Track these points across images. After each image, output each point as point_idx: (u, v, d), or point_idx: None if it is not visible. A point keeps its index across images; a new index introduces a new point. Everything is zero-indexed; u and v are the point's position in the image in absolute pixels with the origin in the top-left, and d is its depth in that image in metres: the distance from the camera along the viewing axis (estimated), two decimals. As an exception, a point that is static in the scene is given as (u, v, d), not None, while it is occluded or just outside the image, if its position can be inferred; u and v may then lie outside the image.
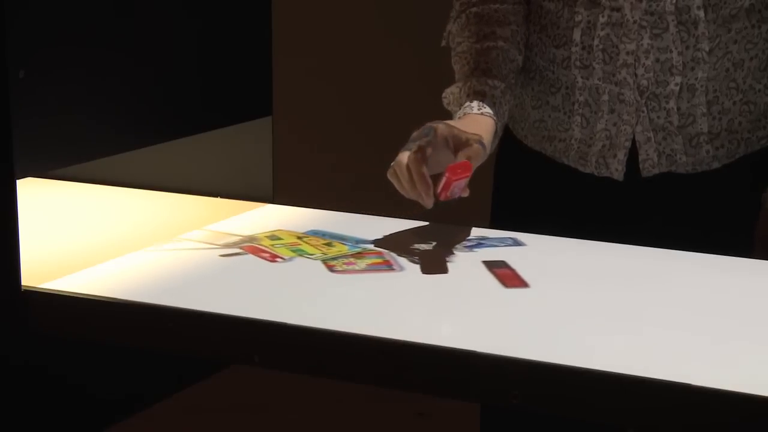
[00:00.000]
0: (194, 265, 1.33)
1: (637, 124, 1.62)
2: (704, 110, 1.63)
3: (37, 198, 1.57)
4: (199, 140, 1.51)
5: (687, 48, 1.60)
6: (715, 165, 1.66)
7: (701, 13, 1.58)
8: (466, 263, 1.36)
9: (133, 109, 1.37)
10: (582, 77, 1.64)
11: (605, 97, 1.63)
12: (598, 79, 1.62)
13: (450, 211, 1.62)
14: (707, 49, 1.60)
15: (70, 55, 1.27)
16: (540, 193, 1.75)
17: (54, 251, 1.36)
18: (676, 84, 1.61)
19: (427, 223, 1.51)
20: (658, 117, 1.62)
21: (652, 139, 1.63)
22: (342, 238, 1.42)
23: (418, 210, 1.42)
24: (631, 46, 1.60)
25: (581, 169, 1.69)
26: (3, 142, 1.19)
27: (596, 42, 1.62)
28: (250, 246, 1.38)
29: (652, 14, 1.59)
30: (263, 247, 1.38)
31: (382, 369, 1.11)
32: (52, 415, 1.28)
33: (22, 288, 1.22)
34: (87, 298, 1.22)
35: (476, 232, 1.47)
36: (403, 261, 1.35)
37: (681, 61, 1.60)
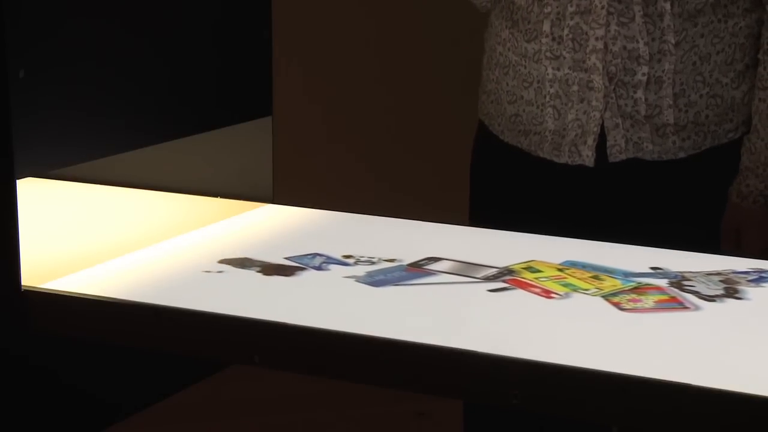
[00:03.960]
0: (462, 301, 1.21)
1: (605, 110, 1.66)
2: (671, 102, 1.66)
3: (37, 198, 1.57)
4: (199, 140, 1.51)
5: (653, 39, 1.63)
6: (681, 155, 1.70)
7: (667, 6, 1.62)
8: (763, 301, 1.20)
9: (133, 109, 1.37)
10: (552, 68, 1.67)
11: (575, 88, 1.66)
12: (569, 68, 1.65)
13: (429, 208, 1.62)
14: (673, 41, 1.63)
15: (70, 55, 1.27)
16: (517, 187, 1.79)
17: (54, 251, 1.36)
18: (644, 74, 1.64)
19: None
20: (626, 105, 1.66)
21: (620, 126, 1.66)
22: (606, 270, 1.29)
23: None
24: (600, 32, 1.63)
25: (556, 159, 1.72)
26: (3, 142, 1.19)
27: (566, 32, 1.65)
28: (514, 279, 1.26)
29: (619, 2, 1.62)
30: (529, 281, 1.25)
31: (382, 369, 1.11)
32: (52, 415, 1.27)
33: (22, 288, 1.22)
34: (87, 298, 1.22)
35: (751, 263, 1.31)
36: (691, 297, 1.20)
37: (647, 52, 1.63)
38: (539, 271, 1.28)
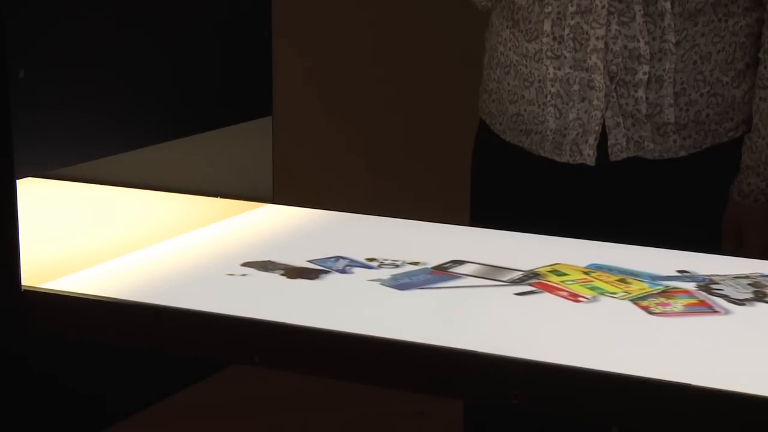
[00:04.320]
0: (490, 305, 1.19)
1: (607, 109, 1.67)
2: (671, 101, 1.68)
3: (37, 198, 1.57)
4: (199, 140, 1.51)
5: (654, 39, 1.64)
6: (682, 153, 1.71)
7: (668, 5, 1.63)
8: None
9: (133, 109, 1.37)
10: (554, 68, 1.68)
11: (576, 87, 1.67)
12: (570, 68, 1.66)
13: (429, 208, 1.62)
14: (674, 41, 1.64)
15: (70, 55, 1.27)
16: (518, 186, 1.80)
17: (54, 251, 1.36)
18: (645, 73, 1.65)
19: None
20: (627, 104, 1.67)
21: (621, 125, 1.68)
22: (632, 273, 1.26)
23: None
24: (601, 32, 1.64)
25: (557, 158, 1.73)
26: (3, 142, 1.19)
27: (567, 31, 1.66)
28: (540, 283, 1.24)
29: (620, 1, 1.63)
30: (556, 285, 1.23)
31: (382, 369, 1.11)
32: (52, 414, 1.27)
33: (22, 288, 1.22)
34: (87, 298, 1.22)
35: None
36: (720, 301, 1.17)
37: (648, 51, 1.64)
38: (565, 274, 1.26)
